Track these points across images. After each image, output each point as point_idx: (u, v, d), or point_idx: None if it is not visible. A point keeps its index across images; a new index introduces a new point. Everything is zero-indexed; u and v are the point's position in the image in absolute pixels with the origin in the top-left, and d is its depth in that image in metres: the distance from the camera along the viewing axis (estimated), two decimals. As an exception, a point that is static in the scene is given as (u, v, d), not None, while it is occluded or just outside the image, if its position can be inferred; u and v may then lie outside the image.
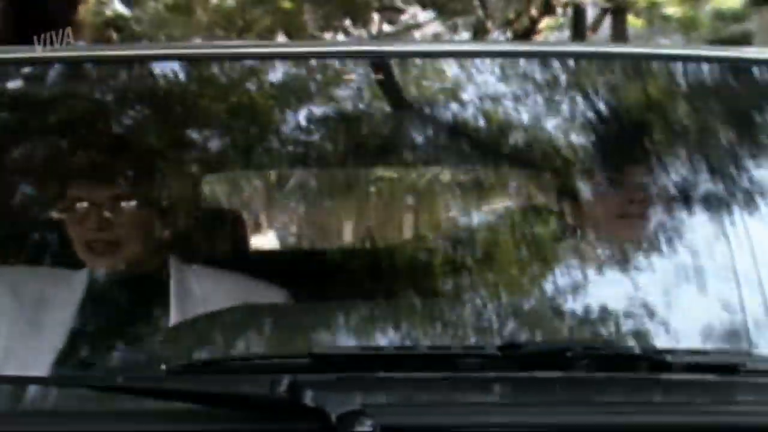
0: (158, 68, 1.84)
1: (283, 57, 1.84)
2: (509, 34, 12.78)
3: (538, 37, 12.56)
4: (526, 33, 12.56)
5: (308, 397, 1.06)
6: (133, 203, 1.70)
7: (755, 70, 1.75)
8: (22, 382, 1.23)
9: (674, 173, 1.67)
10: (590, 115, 1.75)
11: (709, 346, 1.39)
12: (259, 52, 1.90)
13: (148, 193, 1.72)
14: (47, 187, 1.80)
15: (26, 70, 1.79)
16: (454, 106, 1.78)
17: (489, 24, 13.06)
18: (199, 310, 1.59)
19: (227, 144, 1.86)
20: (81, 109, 1.81)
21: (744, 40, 9.50)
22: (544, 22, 12.77)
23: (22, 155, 1.82)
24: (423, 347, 1.23)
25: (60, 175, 1.75)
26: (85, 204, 1.69)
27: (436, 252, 1.64)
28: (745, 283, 1.52)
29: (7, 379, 1.27)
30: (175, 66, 1.83)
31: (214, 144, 1.84)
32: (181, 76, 1.84)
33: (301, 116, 1.82)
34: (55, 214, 1.75)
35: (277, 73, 1.86)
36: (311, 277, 1.63)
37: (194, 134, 1.82)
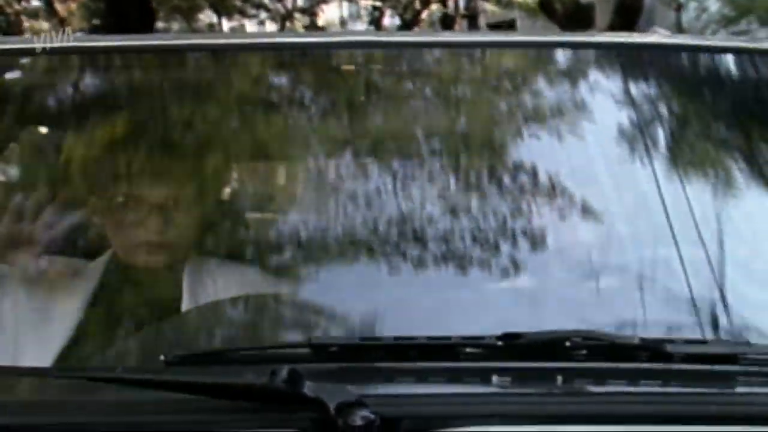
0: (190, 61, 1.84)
1: (278, 48, 1.85)
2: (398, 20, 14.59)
3: (422, 26, 14.48)
4: (412, 22, 14.35)
5: (307, 387, 1.06)
6: (187, 203, 1.68)
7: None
8: (22, 373, 1.23)
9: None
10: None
11: (709, 336, 1.39)
12: (249, 43, 1.90)
13: (192, 192, 1.71)
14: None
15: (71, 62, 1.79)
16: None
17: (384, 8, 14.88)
18: (206, 302, 1.59)
19: (253, 135, 1.85)
20: (124, 105, 1.81)
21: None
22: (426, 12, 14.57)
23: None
24: (423, 337, 1.22)
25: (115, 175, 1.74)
26: (146, 205, 1.67)
27: (435, 243, 1.63)
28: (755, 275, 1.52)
29: (8, 370, 1.27)
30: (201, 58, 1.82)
31: (241, 136, 1.84)
32: (207, 68, 1.83)
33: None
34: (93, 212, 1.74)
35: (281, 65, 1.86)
36: (316, 267, 1.63)
37: (218, 127, 1.81)
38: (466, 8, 16.32)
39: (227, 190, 1.94)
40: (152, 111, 1.80)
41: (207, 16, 16.68)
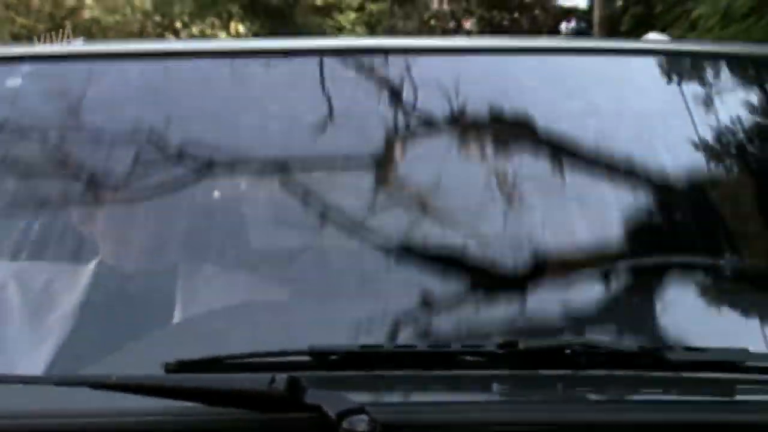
0: (161, 65, 1.85)
1: (279, 54, 1.85)
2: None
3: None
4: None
5: (307, 395, 1.06)
6: (143, 204, 1.69)
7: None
8: (19, 380, 1.23)
9: None
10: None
11: (710, 343, 1.39)
12: (250, 48, 1.91)
13: (157, 194, 1.72)
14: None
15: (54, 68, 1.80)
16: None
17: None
18: (204, 309, 1.59)
19: (227, 143, 1.85)
20: (94, 107, 1.81)
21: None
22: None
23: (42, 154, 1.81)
24: (423, 345, 1.22)
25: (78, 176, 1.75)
26: (106, 205, 1.68)
27: (436, 250, 1.63)
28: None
29: (7, 378, 1.27)
30: (174, 63, 1.83)
31: (214, 143, 1.84)
32: (180, 73, 1.84)
33: (302, 113, 1.81)
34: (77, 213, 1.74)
35: (276, 70, 1.86)
36: (314, 274, 1.63)
37: (196, 132, 1.81)
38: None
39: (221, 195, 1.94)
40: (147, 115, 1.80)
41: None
